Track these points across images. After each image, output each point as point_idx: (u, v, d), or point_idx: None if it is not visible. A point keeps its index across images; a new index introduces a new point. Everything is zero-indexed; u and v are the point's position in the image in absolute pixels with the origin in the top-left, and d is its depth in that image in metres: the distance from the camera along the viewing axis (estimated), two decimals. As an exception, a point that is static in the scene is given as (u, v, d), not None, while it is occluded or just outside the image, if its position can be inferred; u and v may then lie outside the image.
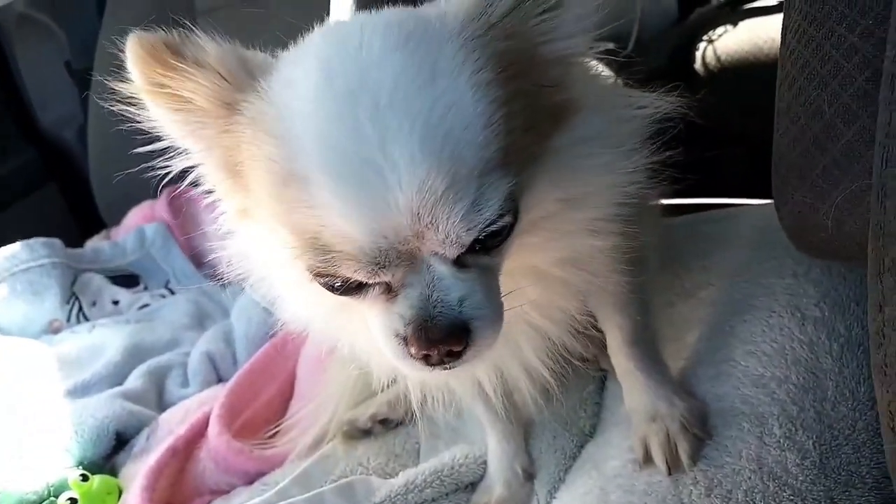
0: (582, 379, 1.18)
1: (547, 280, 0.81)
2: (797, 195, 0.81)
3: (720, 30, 2.38)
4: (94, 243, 2.30)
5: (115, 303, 2.09)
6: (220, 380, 1.55)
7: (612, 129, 0.76)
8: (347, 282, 0.65)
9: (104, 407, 1.41)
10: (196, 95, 0.69)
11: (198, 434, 1.31)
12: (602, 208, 0.77)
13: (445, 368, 0.67)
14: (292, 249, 0.65)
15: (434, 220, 0.59)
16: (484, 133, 0.60)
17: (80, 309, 2.02)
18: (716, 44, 2.36)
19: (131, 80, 0.72)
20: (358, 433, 1.25)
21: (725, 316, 1.07)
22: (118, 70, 0.72)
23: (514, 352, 0.90)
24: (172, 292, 2.15)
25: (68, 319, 1.98)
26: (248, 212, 0.76)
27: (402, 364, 0.68)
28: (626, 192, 0.77)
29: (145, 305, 2.06)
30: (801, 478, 0.85)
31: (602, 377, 1.19)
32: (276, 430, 1.31)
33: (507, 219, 0.64)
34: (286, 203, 0.62)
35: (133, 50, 0.70)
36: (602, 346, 1.08)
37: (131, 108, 0.74)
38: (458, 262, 0.65)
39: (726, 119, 2.00)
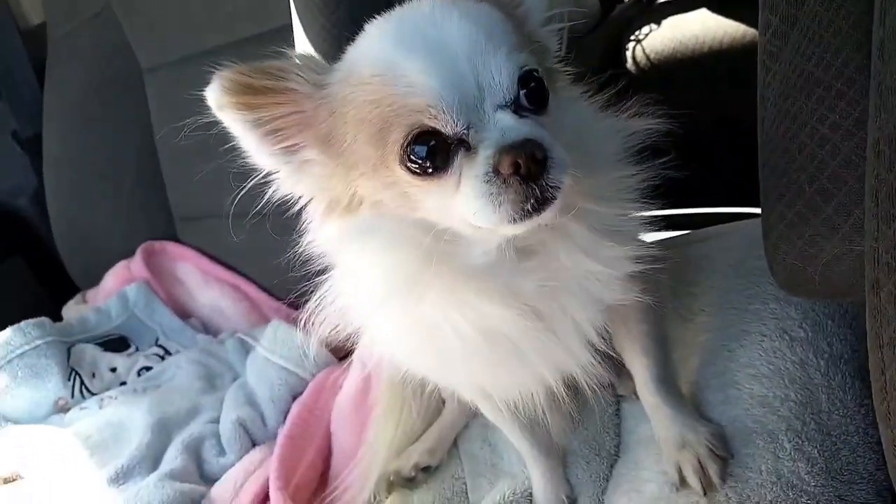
0: (599, 405, 1.33)
1: (588, 220, 0.90)
2: (788, 259, 0.97)
3: (645, 29, 2.53)
4: (79, 312, 2.32)
5: (113, 370, 2.13)
6: (254, 444, 1.63)
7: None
8: (436, 149, 0.78)
9: (156, 494, 1.46)
10: (291, 83, 0.84)
11: (260, 509, 1.41)
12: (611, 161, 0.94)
13: (539, 211, 0.76)
14: (392, 152, 0.80)
15: (485, 63, 0.78)
16: (506, 28, 0.83)
17: (83, 383, 2.05)
18: (643, 43, 2.51)
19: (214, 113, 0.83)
20: (404, 482, 1.38)
21: (723, 341, 1.22)
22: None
23: (564, 321, 0.95)
24: (166, 350, 2.21)
25: (72, 396, 2.01)
26: (343, 203, 0.87)
27: (497, 216, 0.77)
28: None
29: (145, 368, 2.12)
30: (812, 483, 1.01)
31: (617, 401, 1.35)
32: (333, 495, 1.41)
33: (540, 78, 0.82)
34: (386, 106, 0.78)
35: (218, 79, 0.81)
36: (617, 371, 1.24)
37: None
38: (517, 114, 0.79)
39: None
